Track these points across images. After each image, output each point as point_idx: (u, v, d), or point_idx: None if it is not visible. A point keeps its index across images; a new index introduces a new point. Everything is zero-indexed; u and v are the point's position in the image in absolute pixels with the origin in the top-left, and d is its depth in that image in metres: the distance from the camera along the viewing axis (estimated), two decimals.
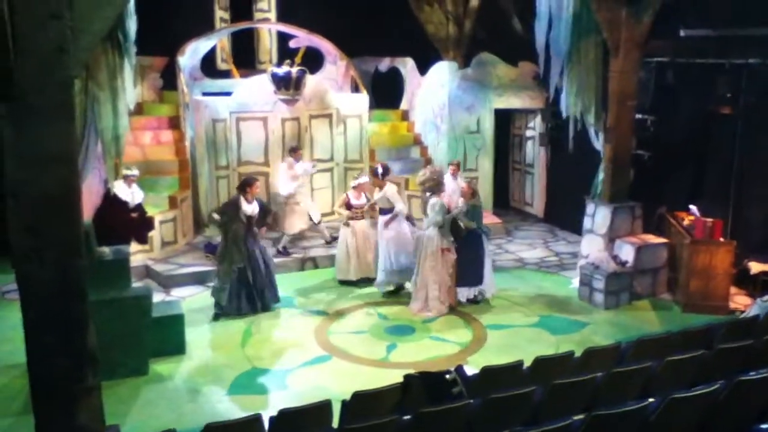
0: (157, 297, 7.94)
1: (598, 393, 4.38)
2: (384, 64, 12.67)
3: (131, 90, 6.85)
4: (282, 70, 10.07)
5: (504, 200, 12.70)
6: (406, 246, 8.10)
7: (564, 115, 8.58)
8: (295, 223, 9.37)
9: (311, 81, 10.49)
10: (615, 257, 8.10)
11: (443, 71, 11.41)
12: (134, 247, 9.03)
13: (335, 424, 4.43)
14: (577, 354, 5.21)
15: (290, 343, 6.98)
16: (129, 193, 9.15)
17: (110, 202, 8.88)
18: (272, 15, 12.37)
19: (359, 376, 6.11)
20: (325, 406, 4.33)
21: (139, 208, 9.18)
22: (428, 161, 11.60)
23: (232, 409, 5.59)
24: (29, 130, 3.11)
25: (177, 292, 8.40)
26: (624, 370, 4.43)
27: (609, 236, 8.28)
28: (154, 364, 6.32)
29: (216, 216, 7.67)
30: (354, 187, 8.50)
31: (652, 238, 8.39)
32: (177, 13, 11.77)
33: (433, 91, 11.61)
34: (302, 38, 11.62)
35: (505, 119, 12.24)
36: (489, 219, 11.24)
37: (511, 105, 11.70)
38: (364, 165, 10.95)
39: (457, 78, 11.35)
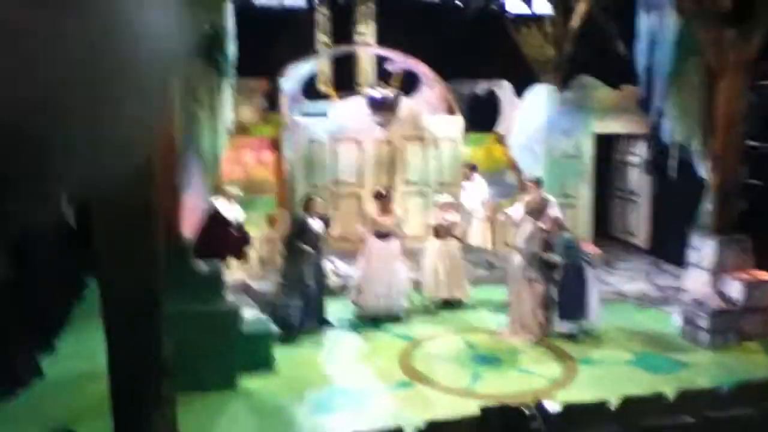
0: (252, 313, 8.19)
1: None
2: (481, 87, 12.59)
3: (229, 110, 7.17)
4: (377, 93, 10.22)
5: (604, 229, 12.21)
6: None
7: (666, 140, 8.17)
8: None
9: (406, 104, 10.57)
10: (721, 293, 7.57)
11: (541, 94, 11.17)
12: (233, 263, 9.42)
13: None
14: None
15: (375, 366, 6.99)
16: (230, 211, 9.54)
17: (213, 219, 9.32)
18: (371, 38, 12.61)
19: (441, 405, 6.01)
20: None
21: (239, 225, 9.55)
22: (523, 186, 11.34)
23: (313, 429, 5.65)
24: None
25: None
26: (720, 416, 4.10)
27: (715, 271, 7.74)
28: (243, 379, 6.49)
29: (289, 241, 7.81)
30: (439, 207, 8.48)
31: (765, 275, 7.77)
32: (281, 38, 12.25)
33: (530, 115, 11.37)
34: (399, 61, 11.74)
35: (607, 144, 11.82)
36: (588, 248, 10.83)
37: (612, 130, 11.27)
38: (457, 188, 10.89)
39: (555, 101, 11.08)
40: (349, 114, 10.49)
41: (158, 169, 5.92)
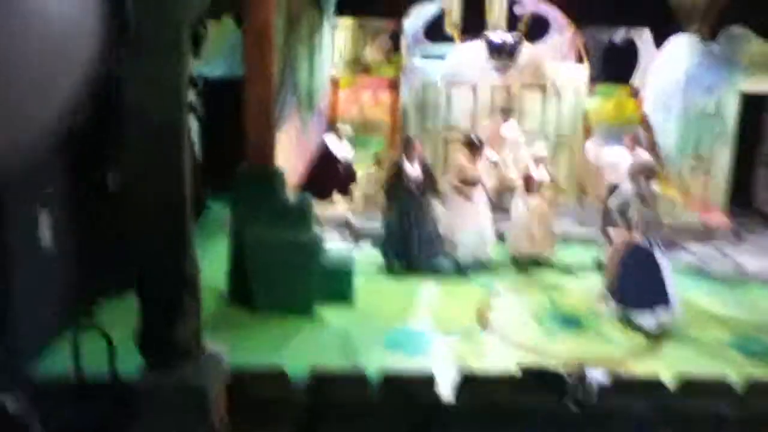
0: (341, 247, 8.43)
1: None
2: (619, 35, 11.70)
3: (332, 48, 7.25)
4: (497, 37, 9.87)
5: (744, 199, 11.11)
6: None
7: None
8: None
9: (527, 50, 10.13)
10: None
11: (682, 45, 10.21)
12: (337, 198, 9.76)
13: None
14: None
15: (451, 312, 7.01)
16: (340, 148, 9.83)
17: (322, 155, 9.67)
18: None
19: (505, 359, 5.95)
20: (429, 380, 4.35)
21: (347, 163, 9.84)
22: (652, 144, 10.57)
23: (374, 363, 5.83)
24: (143, 67, 3.45)
25: (367, 246, 8.82)
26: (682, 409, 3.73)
27: None
28: (322, 308, 6.80)
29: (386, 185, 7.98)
30: (534, 160, 8.13)
31: None
32: None
33: (669, 68, 10.45)
34: (529, 4, 11.19)
35: (756, 105, 10.61)
36: (714, 218, 9.98)
37: (763, 89, 10.08)
38: (576, 141, 10.37)
39: (698, 54, 10.08)
40: (466, 58, 10.24)
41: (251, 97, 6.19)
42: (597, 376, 4.46)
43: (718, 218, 10.00)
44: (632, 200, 6.71)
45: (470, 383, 4.33)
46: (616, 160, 8.00)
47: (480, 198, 7.92)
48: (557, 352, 6.18)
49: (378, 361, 5.85)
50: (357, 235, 9.20)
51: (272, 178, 6.80)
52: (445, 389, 4.43)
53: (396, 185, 7.79)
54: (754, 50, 9.86)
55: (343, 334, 6.41)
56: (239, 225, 6.73)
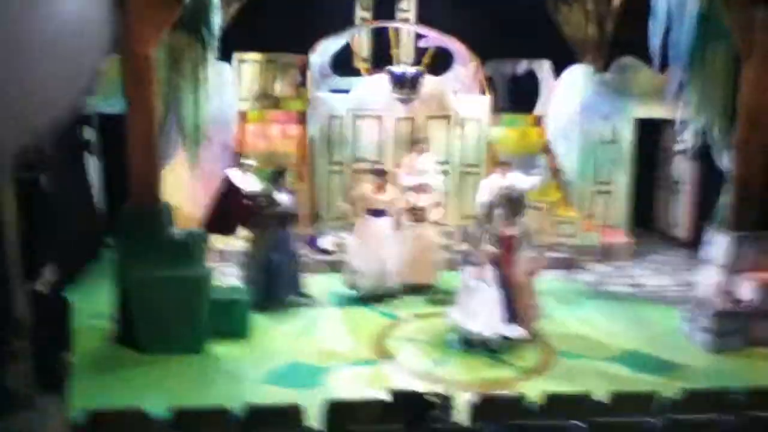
0: (234, 281, 8.21)
1: None
2: (521, 67, 12.11)
3: (231, 83, 7.13)
4: (399, 69, 10.04)
5: (645, 220, 11.54)
6: None
7: (681, 128, 7.59)
8: None
9: (430, 81, 10.32)
10: (728, 294, 6.96)
11: (578, 75, 10.62)
12: (242, 233, 9.59)
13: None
14: None
15: (346, 342, 6.96)
16: (245, 182, 9.70)
17: (225, 190, 9.51)
18: (412, 15, 12.34)
19: (398, 386, 5.88)
20: (293, 409, 4.25)
21: (252, 196, 9.69)
22: (556, 171, 10.89)
23: (258, 398, 5.66)
24: None
25: None
26: (611, 422, 3.78)
27: (727, 269, 7.12)
28: (213, 345, 6.62)
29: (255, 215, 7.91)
30: (411, 189, 8.19)
31: None
32: (320, 14, 12.22)
33: (567, 97, 10.84)
34: (433, 38, 11.47)
35: (652, 131, 11.10)
36: (615, 239, 10.29)
37: (655, 115, 10.53)
38: (482, 170, 10.55)
39: (593, 83, 10.50)
40: (370, 90, 10.36)
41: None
42: (467, 397, 4.46)
43: (619, 239, 10.31)
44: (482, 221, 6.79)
45: (337, 411, 4.25)
46: (486, 187, 8.18)
47: (385, 227, 7.91)
48: (445, 376, 6.19)
49: (265, 396, 5.71)
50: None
51: (158, 214, 6.64)
52: (313, 419, 4.33)
53: (263, 216, 7.67)
54: (644, 79, 10.32)
55: (229, 371, 6.25)
56: (124, 264, 6.52)
